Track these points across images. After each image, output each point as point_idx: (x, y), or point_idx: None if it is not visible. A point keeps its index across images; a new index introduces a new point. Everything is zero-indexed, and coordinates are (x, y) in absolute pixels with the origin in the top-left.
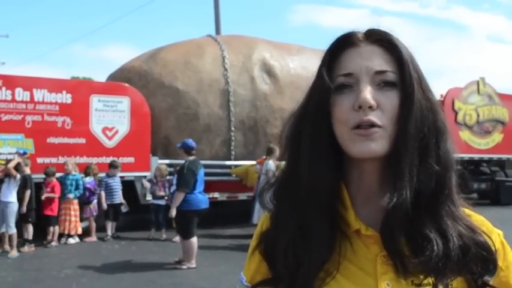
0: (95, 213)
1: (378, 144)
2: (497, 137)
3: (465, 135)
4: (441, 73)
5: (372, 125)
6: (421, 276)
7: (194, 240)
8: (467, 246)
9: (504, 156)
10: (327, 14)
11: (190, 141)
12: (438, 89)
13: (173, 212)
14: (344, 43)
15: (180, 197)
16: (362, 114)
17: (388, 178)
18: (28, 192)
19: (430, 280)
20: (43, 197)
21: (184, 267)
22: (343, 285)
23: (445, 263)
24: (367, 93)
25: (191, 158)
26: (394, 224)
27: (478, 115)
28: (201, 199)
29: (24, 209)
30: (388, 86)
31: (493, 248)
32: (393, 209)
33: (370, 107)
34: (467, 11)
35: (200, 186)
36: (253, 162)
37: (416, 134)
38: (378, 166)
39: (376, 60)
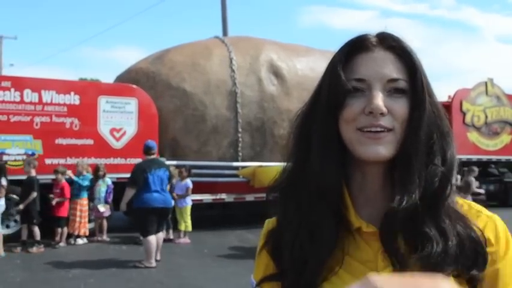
0: (107, 214)
1: (385, 148)
2: (505, 138)
3: (473, 136)
4: (450, 74)
5: (382, 129)
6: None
7: (150, 239)
8: (463, 242)
9: None
10: (336, 15)
11: (150, 142)
12: (447, 90)
13: (123, 207)
14: (357, 46)
15: (128, 193)
16: (373, 119)
17: (398, 181)
18: (34, 194)
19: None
20: (54, 202)
21: (141, 266)
22: (344, 279)
23: (443, 258)
24: (379, 100)
25: (150, 157)
26: (395, 223)
27: (486, 116)
28: (156, 197)
29: (22, 206)
30: (398, 93)
31: (483, 242)
32: (402, 210)
33: (382, 114)
34: (477, 12)
35: (156, 185)
36: (261, 164)
37: (425, 139)
38: (382, 168)
39: (389, 68)
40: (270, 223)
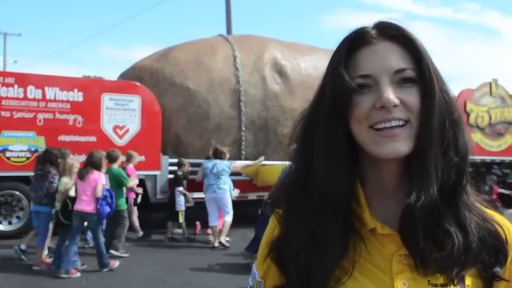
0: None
1: (403, 145)
2: (509, 139)
3: (477, 137)
4: (467, 76)
5: (397, 123)
6: (439, 275)
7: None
8: (484, 237)
9: None
10: (360, 17)
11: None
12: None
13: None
14: (357, 42)
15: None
16: (386, 113)
17: (415, 176)
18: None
19: (447, 280)
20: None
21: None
22: (361, 282)
23: (466, 256)
24: (390, 92)
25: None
26: (415, 221)
27: (490, 117)
28: None
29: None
30: (407, 82)
31: (503, 238)
32: (421, 206)
33: (395, 106)
34: (500, 16)
35: None
36: (264, 162)
37: (438, 128)
38: (398, 165)
39: (394, 59)
40: (273, 231)
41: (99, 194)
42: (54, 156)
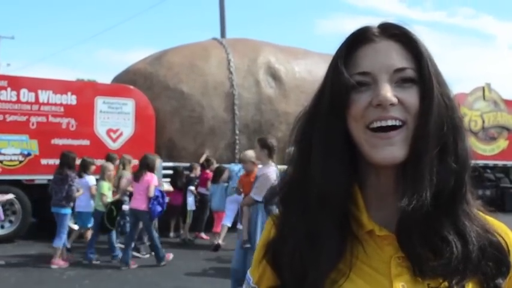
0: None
1: (400, 149)
2: (502, 144)
3: (470, 141)
4: (460, 80)
5: (394, 123)
6: (440, 280)
7: None
8: (484, 247)
9: (509, 163)
10: (355, 22)
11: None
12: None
13: None
14: (359, 39)
15: None
16: (382, 112)
17: (408, 179)
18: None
19: (447, 283)
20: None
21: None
22: (358, 284)
23: (465, 265)
24: (387, 90)
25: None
26: (411, 226)
27: (483, 121)
28: None
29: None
30: (407, 82)
31: (506, 249)
32: (412, 211)
33: (392, 104)
34: (494, 20)
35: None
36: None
37: (436, 132)
38: (395, 168)
39: (395, 57)
40: (269, 233)
41: (152, 193)
42: (71, 159)
